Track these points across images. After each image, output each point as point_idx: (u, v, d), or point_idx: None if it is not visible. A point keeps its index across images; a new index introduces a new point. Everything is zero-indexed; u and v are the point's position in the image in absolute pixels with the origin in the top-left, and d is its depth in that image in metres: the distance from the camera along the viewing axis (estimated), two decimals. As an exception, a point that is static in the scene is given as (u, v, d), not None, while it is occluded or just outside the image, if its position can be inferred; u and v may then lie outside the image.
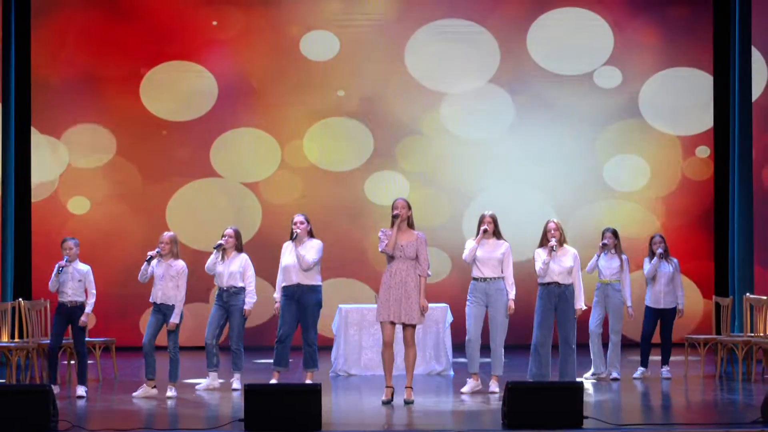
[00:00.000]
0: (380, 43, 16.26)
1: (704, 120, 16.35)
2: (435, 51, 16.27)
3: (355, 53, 16.26)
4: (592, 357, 12.16)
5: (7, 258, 14.67)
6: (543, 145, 16.33)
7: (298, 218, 11.47)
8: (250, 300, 11.58)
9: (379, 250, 10.38)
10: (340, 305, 13.10)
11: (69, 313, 11.02)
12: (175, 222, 15.88)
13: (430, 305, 12.12)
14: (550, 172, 16.31)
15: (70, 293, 11.02)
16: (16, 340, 12.56)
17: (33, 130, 15.87)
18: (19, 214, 15.38)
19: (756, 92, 15.04)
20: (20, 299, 12.66)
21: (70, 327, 11.07)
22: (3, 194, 14.70)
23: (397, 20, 16.27)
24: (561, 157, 16.34)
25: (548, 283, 11.22)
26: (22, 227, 15.52)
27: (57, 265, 10.98)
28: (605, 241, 12.22)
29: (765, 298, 12.47)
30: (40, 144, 15.91)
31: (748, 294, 13.23)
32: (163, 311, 11.06)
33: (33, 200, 15.83)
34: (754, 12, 14.95)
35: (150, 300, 11.15)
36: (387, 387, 10.34)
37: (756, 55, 15.07)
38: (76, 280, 11.04)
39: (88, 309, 11.09)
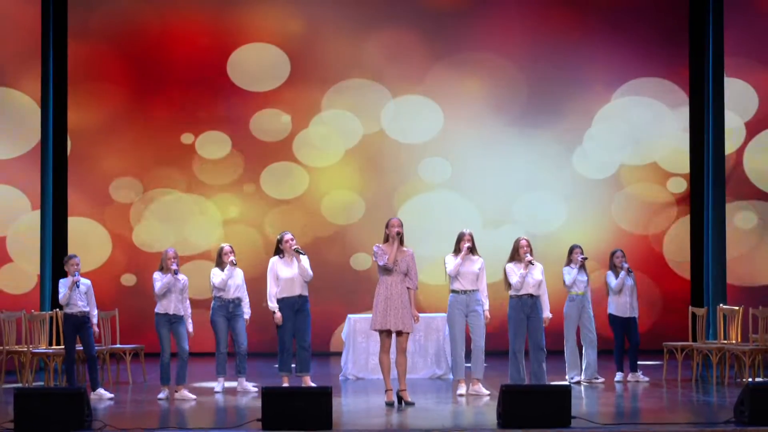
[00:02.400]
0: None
1: (681, 150, 16.39)
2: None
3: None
4: (567, 363, 12.18)
5: (46, 272, 14.70)
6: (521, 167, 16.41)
7: (289, 236, 11.59)
8: (249, 310, 11.76)
9: (380, 263, 10.39)
10: (349, 315, 13.16)
11: (79, 323, 11.15)
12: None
13: (431, 315, 12.12)
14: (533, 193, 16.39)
15: (80, 304, 11.16)
16: (54, 346, 12.58)
17: (69, 150, 15.86)
18: (57, 232, 15.38)
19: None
20: (57, 309, 12.69)
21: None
22: (42, 215, 14.73)
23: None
24: (540, 178, 16.39)
25: (522, 295, 11.22)
26: (59, 244, 15.53)
27: (71, 281, 11.06)
28: (585, 257, 12.26)
29: (736, 308, 12.49)
30: (75, 163, 15.95)
31: (721, 305, 13.22)
32: (172, 321, 11.13)
33: (69, 218, 15.82)
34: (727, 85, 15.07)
35: (160, 312, 11.16)
36: (388, 390, 10.39)
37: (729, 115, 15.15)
38: (83, 293, 11.16)
39: (95, 320, 11.28)
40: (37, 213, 14.71)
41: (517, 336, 11.15)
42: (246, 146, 16.19)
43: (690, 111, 16.26)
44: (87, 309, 11.19)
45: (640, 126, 16.37)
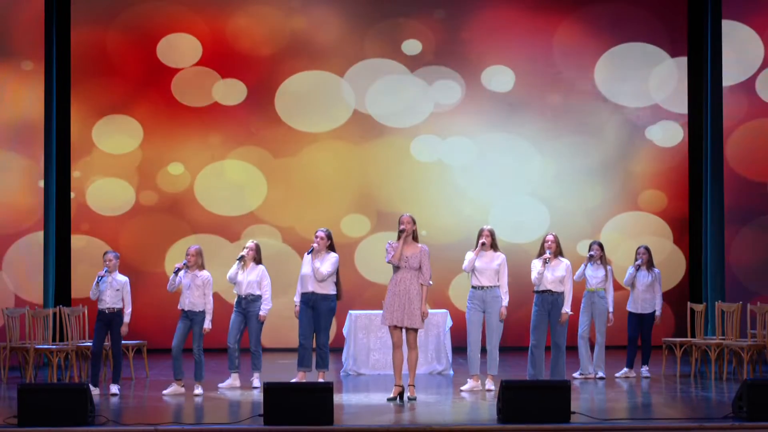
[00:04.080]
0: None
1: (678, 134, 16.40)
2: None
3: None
4: (580, 358, 12.18)
5: (49, 268, 14.68)
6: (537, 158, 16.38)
7: (320, 233, 11.55)
8: (265, 307, 11.59)
9: (386, 260, 10.41)
10: (350, 311, 13.14)
11: (108, 319, 11.04)
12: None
13: (431, 311, 12.14)
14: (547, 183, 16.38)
15: (109, 301, 11.04)
16: (57, 343, 12.59)
17: (72, 144, 15.84)
18: (60, 227, 15.36)
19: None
20: (61, 306, 12.70)
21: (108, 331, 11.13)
22: (45, 209, 14.71)
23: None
24: (547, 169, 16.38)
25: (542, 291, 11.25)
26: (63, 238, 15.51)
27: (97, 276, 11.03)
28: (592, 253, 12.26)
29: (734, 305, 12.48)
30: (77, 156, 15.96)
31: (719, 301, 13.22)
32: (190, 317, 11.09)
33: (72, 213, 15.80)
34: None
35: (179, 307, 11.18)
36: (396, 386, 10.37)
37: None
38: (114, 289, 11.07)
39: (127, 319, 11.12)
40: (41, 210, 14.69)
41: (535, 331, 11.18)
42: (250, 142, 16.20)
43: (689, 113, 16.24)
44: (117, 306, 11.07)
45: (640, 119, 16.39)
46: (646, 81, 16.32)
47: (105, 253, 11.23)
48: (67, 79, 15.67)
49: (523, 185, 16.31)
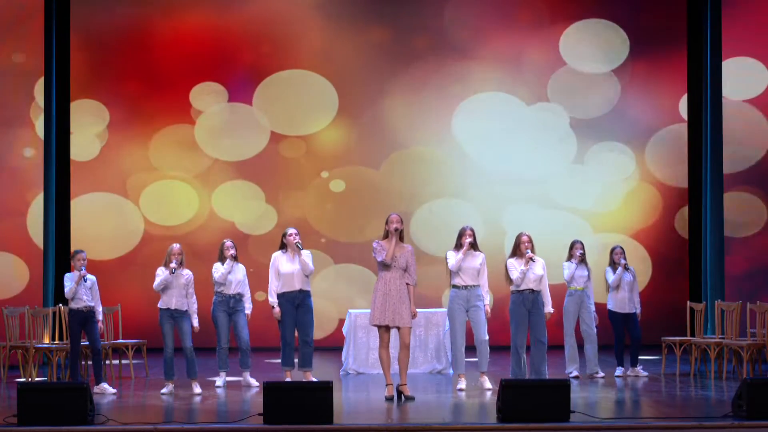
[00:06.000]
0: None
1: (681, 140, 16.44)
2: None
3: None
4: (567, 357, 12.19)
5: (49, 267, 14.67)
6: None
7: (293, 230, 11.63)
8: (249, 306, 11.71)
9: (379, 259, 10.35)
10: (350, 310, 13.16)
11: (84, 317, 11.15)
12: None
13: (431, 311, 12.11)
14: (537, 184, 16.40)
15: (85, 299, 11.16)
16: (56, 342, 12.59)
17: (72, 149, 15.87)
18: (60, 227, 15.36)
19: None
20: (60, 305, 12.70)
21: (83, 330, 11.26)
22: (45, 210, 14.70)
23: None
24: (544, 166, 16.40)
25: (523, 290, 11.21)
26: (63, 239, 15.51)
27: (78, 275, 11.08)
28: (582, 251, 12.27)
29: (734, 304, 12.49)
30: (76, 157, 15.98)
31: (719, 300, 13.22)
32: (176, 316, 11.09)
33: (72, 214, 15.81)
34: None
35: (162, 306, 11.10)
36: (388, 385, 10.37)
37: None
38: (88, 288, 11.15)
39: (101, 317, 11.28)
40: (40, 211, 14.66)
41: (518, 331, 11.16)
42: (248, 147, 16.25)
43: (689, 99, 16.26)
44: (92, 304, 11.19)
45: (639, 118, 16.42)
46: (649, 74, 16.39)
47: (76, 253, 11.27)
48: (66, 82, 15.73)
49: (526, 184, 16.32)
